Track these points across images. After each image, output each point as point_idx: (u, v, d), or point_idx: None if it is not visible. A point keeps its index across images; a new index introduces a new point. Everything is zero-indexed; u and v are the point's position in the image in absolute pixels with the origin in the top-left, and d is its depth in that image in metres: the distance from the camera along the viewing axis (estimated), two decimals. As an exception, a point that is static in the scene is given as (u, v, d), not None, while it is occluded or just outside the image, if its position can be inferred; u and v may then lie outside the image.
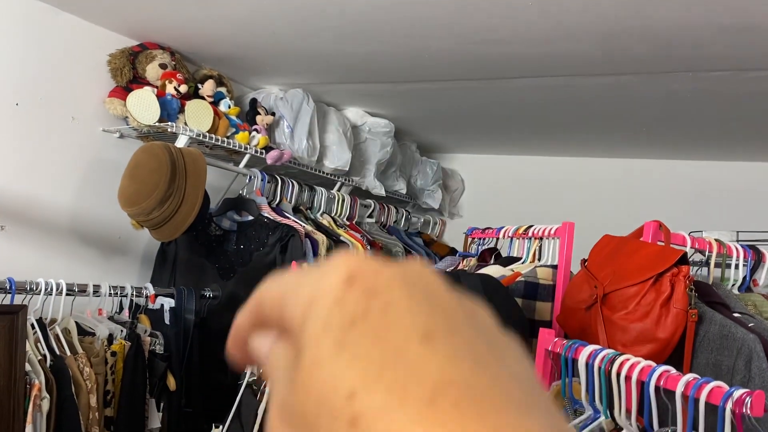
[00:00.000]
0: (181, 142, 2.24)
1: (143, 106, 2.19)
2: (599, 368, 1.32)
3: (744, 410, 1.04)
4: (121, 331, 1.82)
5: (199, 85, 2.43)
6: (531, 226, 2.17)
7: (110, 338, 1.79)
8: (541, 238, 2.14)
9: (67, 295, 1.75)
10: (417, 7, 1.86)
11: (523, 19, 1.88)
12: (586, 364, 1.35)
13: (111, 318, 1.90)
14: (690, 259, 1.58)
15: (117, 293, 1.88)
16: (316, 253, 2.38)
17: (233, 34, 2.24)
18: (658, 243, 1.57)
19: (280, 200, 2.63)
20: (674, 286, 1.41)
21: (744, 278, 1.66)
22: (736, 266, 1.65)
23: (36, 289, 1.70)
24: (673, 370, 1.19)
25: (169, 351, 1.92)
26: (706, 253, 1.66)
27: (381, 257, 0.25)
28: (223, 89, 2.50)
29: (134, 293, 1.93)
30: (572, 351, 1.40)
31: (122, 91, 2.24)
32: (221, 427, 1.57)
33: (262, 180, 2.54)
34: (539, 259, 2.14)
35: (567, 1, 1.73)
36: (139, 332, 1.87)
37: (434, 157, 3.93)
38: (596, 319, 1.50)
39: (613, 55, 2.11)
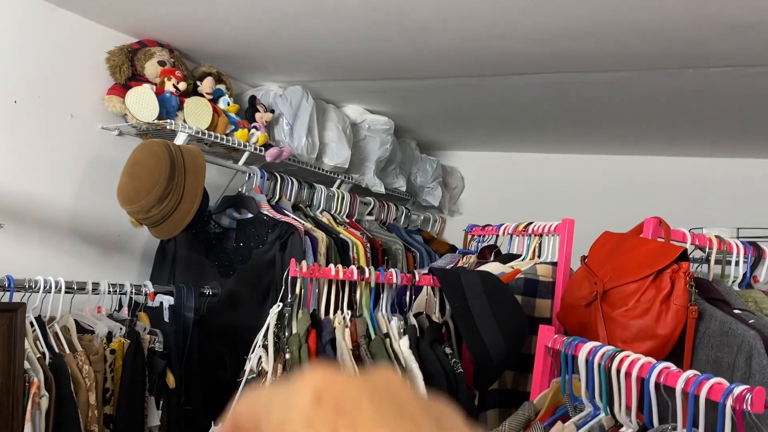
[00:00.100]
0: (180, 139, 2.24)
1: (142, 103, 2.19)
2: (599, 365, 1.31)
3: (744, 407, 1.04)
4: (121, 328, 1.82)
5: (198, 83, 2.43)
6: (531, 223, 2.17)
7: (109, 336, 1.78)
8: (540, 235, 2.14)
9: (66, 292, 1.75)
10: (416, 4, 1.86)
11: (523, 16, 1.87)
12: (586, 361, 1.35)
13: (110, 316, 1.89)
14: (690, 256, 1.58)
15: (116, 291, 1.88)
16: (315, 251, 2.38)
17: (232, 31, 2.24)
18: (658, 239, 1.57)
19: (280, 198, 2.62)
20: (674, 283, 1.41)
21: (744, 275, 1.65)
22: (737, 263, 1.65)
23: (35, 286, 1.69)
24: (673, 367, 1.19)
25: (169, 349, 1.92)
26: (707, 249, 1.65)
27: (347, 370, 0.26)
28: (222, 86, 2.49)
29: (133, 291, 1.93)
30: (572, 348, 1.40)
31: (121, 88, 2.24)
32: (221, 424, 1.57)
33: (261, 177, 2.54)
34: (539, 256, 2.14)
35: (567, -3, 1.73)
36: (138, 330, 1.86)
37: (434, 155, 3.93)
38: (596, 316, 1.49)
39: (613, 52, 2.10)
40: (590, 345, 1.36)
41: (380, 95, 2.97)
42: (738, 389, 1.06)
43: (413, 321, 1.87)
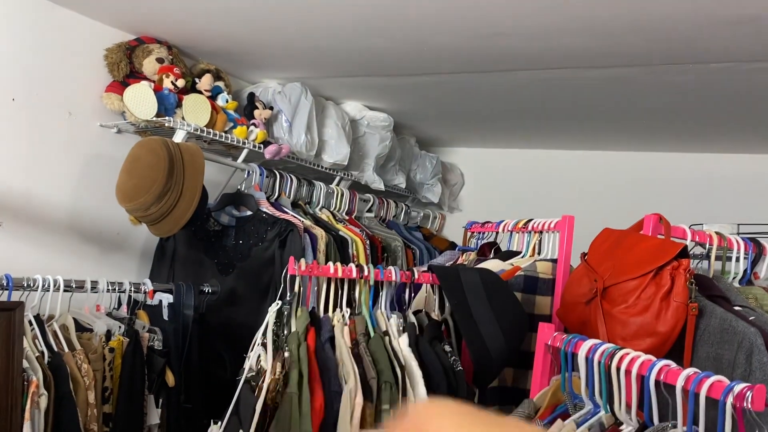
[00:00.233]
0: (178, 136, 2.23)
1: (140, 100, 2.18)
2: (599, 363, 1.31)
3: (745, 404, 1.04)
4: (120, 327, 1.81)
5: (197, 80, 2.42)
6: (530, 220, 2.16)
7: (108, 334, 1.78)
8: (540, 232, 2.13)
9: (64, 291, 1.74)
10: (416, 1, 1.85)
11: (522, 12, 1.87)
12: (586, 359, 1.35)
13: (109, 314, 1.89)
14: (690, 252, 1.58)
15: (115, 289, 1.87)
16: (314, 248, 2.38)
17: (231, 27, 2.23)
18: (658, 236, 1.57)
19: (279, 195, 2.62)
20: (674, 280, 1.40)
21: (745, 271, 1.65)
22: (737, 259, 1.65)
23: (33, 285, 1.69)
24: (674, 365, 1.19)
25: (168, 347, 1.91)
26: (707, 246, 1.65)
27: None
28: (220, 83, 2.48)
29: (132, 289, 1.92)
30: (572, 345, 1.40)
31: (119, 85, 2.23)
32: (220, 423, 1.56)
33: (260, 175, 2.53)
34: (539, 253, 2.14)
35: (566, -7, 1.72)
36: (137, 328, 1.86)
37: (433, 151, 3.92)
38: (596, 313, 1.49)
39: (613, 49, 2.09)
40: (590, 342, 1.36)
41: (379, 92, 2.97)
42: (738, 387, 1.06)
43: (412, 319, 1.87)
